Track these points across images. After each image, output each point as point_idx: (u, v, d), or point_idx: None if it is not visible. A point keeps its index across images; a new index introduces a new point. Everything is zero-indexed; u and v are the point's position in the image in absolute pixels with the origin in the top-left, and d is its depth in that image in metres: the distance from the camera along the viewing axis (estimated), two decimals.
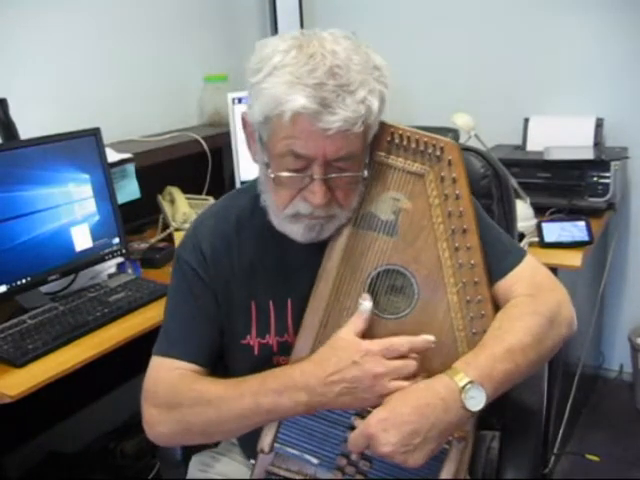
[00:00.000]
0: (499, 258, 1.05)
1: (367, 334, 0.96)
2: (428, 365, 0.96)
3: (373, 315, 0.99)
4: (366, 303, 0.97)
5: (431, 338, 0.95)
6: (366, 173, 0.98)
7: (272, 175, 0.96)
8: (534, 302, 1.01)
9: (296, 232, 0.99)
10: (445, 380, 0.91)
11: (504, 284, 1.04)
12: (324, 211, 0.96)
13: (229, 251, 1.07)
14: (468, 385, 0.90)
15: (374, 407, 0.92)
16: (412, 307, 1.00)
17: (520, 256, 1.07)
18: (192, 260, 1.07)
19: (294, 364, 0.97)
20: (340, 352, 0.93)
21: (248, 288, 1.07)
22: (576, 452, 2.19)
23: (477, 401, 0.89)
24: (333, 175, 0.94)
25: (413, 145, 1.02)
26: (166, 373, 1.03)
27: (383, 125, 1.01)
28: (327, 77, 0.88)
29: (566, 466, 2.16)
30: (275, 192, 0.98)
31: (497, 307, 1.02)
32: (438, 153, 1.01)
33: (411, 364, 0.92)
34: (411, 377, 0.92)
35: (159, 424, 1.02)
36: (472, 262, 1.00)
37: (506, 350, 0.94)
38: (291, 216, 0.98)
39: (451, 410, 0.89)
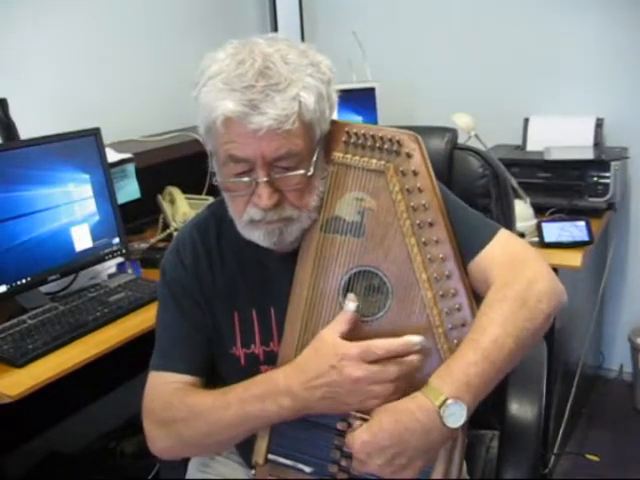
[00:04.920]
0: (467, 240, 1.01)
1: (350, 336, 0.94)
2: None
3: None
4: (350, 304, 0.96)
5: (415, 339, 0.93)
6: (312, 171, 0.95)
7: (217, 182, 0.97)
8: (502, 288, 0.95)
9: (257, 238, 0.99)
10: (421, 400, 0.88)
11: (476, 266, 1.00)
12: (276, 214, 0.95)
13: (210, 262, 1.08)
14: (445, 403, 0.87)
15: (358, 411, 0.92)
16: (388, 306, 0.98)
17: (490, 234, 1.02)
18: (175, 273, 1.09)
19: (278, 369, 0.97)
20: (320, 356, 0.92)
21: (230, 299, 1.07)
22: (576, 452, 2.19)
23: (457, 417, 0.87)
24: (277, 176, 0.93)
25: (369, 142, 0.99)
26: (161, 388, 1.04)
27: (337, 124, 1.00)
28: (256, 79, 0.89)
29: (566, 466, 2.16)
30: (231, 201, 0.99)
31: (475, 293, 0.99)
32: (395, 147, 0.98)
33: (391, 370, 0.90)
34: (397, 381, 0.91)
35: (158, 440, 1.04)
36: (441, 256, 0.97)
37: (478, 351, 0.90)
38: (248, 223, 0.98)
39: (431, 431, 0.87)
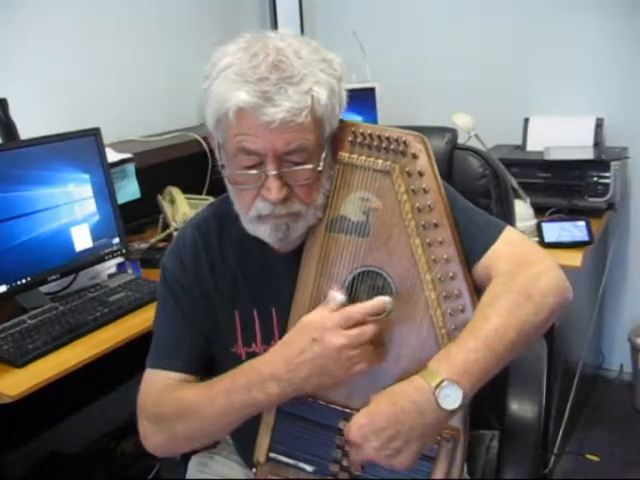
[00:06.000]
0: (473, 241, 1.00)
1: None
2: (415, 364, 0.95)
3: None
4: (336, 294, 0.94)
5: (387, 298, 0.93)
6: (322, 166, 0.95)
7: (226, 174, 0.97)
8: (507, 282, 0.95)
9: (263, 233, 0.99)
10: (417, 382, 0.89)
11: (482, 265, 1.00)
12: (284, 208, 0.95)
13: (211, 261, 1.08)
14: (441, 384, 0.87)
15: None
16: (392, 306, 0.98)
17: (495, 233, 1.02)
18: (175, 271, 1.09)
19: (260, 357, 0.97)
20: (299, 334, 0.93)
21: (231, 298, 1.07)
22: (576, 452, 2.19)
23: (452, 399, 0.87)
24: (286, 170, 0.93)
25: (376, 142, 0.99)
26: (154, 386, 1.05)
27: (344, 124, 1.00)
28: (269, 71, 0.89)
29: (566, 466, 2.16)
30: (238, 195, 0.99)
31: (480, 291, 0.99)
32: (402, 148, 0.98)
33: (369, 328, 0.91)
34: (377, 345, 0.93)
35: (151, 436, 1.04)
36: (445, 257, 0.97)
37: (479, 338, 0.90)
38: (255, 218, 0.97)
39: (426, 412, 0.88)
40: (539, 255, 1.01)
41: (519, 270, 0.97)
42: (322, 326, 0.91)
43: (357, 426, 0.90)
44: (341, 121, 1.00)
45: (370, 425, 0.89)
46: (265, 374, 0.93)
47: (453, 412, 0.88)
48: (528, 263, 0.98)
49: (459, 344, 0.91)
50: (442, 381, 0.87)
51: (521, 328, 0.92)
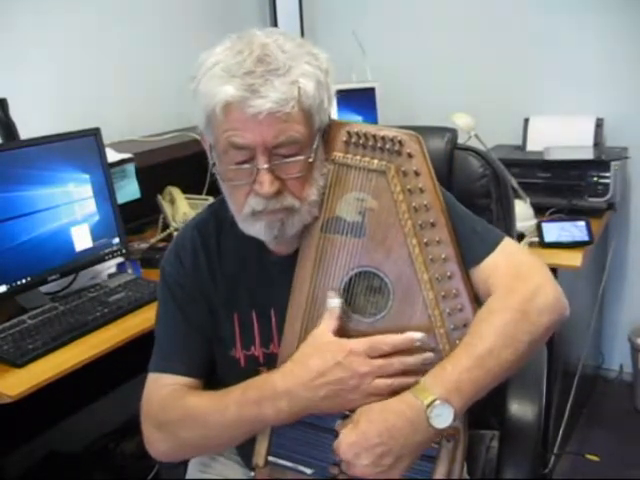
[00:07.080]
0: (471, 248, 1.00)
1: (352, 336, 0.95)
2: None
3: (355, 318, 0.98)
4: (334, 301, 0.96)
5: (416, 335, 0.93)
6: (313, 157, 0.95)
7: (218, 171, 0.97)
8: (505, 297, 0.95)
9: (258, 231, 0.98)
10: (410, 399, 0.89)
11: (479, 274, 0.99)
12: (278, 202, 0.94)
13: (210, 263, 1.08)
14: (433, 403, 0.87)
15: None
16: (389, 307, 0.98)
17: (494, 243, 1.02)
18: (175, 273, 1.09)
19: (275, 371, 0.96)
20: (323, 353, 0.92)
21: (230, 300, 1.07)
22: (576, 452, 2.19)
23: (443, 419, 0.87)
24: (278, 162, 0.93)
25: (371, 142, 0.98)
26: (158, 390, 1.04)
27: (337, 124, 1.00)
28: (255, 65, 0.89)
29: (566, 466, 2.16)
30: (231, 193, 0.99)
31: (476, 297, 0.99)
32: (397, 147, 0.97)
33: (395, 362, 0.92)
34: (398, 375, 0.92)
35: (156, 442, 1.03)
36: (443, 256, 0.97)
37: (474, 357, 0.90)
38: (249, 215, 0.97)
39: (419, 430, 0.88)
40: (538, 270, 1.00)
41: (517, 285, 0.96)
42: (349, 351, 0.91)
43: (348, 444, 0.90)
44: (334, 121, 1.00)
45: (362, 442, 0.89)
46: (279, 390, 0.93)
47: (443, 430, 0.88)
48: (526, 277, 0.98)
49: (452, 362, 0.91)
50: (434, 400, 0.87)
51: (516, 348, 0.92)
